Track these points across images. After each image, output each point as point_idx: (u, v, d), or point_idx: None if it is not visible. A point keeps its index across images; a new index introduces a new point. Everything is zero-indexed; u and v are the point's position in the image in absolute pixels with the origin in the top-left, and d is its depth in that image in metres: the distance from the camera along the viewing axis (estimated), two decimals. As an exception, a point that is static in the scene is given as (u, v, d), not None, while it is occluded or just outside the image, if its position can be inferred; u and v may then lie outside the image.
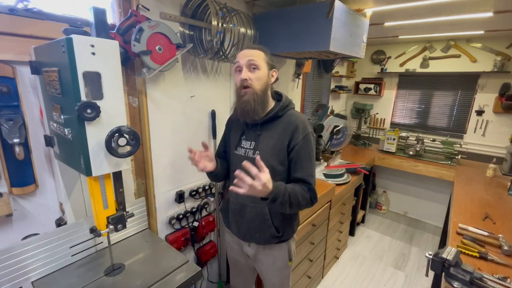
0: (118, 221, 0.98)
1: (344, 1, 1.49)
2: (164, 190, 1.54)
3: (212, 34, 1.37)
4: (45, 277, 1.05)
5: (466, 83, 3.04)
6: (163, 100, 1.43)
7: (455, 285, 1.09)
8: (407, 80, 3.44)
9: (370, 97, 3.71)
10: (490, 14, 1.89)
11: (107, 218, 0.96)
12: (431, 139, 3.14)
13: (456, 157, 2.91)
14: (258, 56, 1.09)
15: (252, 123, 1.17)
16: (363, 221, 3.35)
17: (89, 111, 0.77)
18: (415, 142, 3.16)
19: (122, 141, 0.84)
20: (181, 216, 1.61)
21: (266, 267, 1.31)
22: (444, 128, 3.26)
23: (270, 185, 0.96)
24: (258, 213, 1.17)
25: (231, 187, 0.95)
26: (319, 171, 2.31)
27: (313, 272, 2.13)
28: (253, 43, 1.68)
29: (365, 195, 3.23)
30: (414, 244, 3.00)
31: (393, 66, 3.48)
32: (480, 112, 2.98)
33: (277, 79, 1.16)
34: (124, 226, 1.00)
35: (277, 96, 1.21)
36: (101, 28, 0.85)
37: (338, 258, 2.66)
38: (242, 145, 1.21)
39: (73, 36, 0.74)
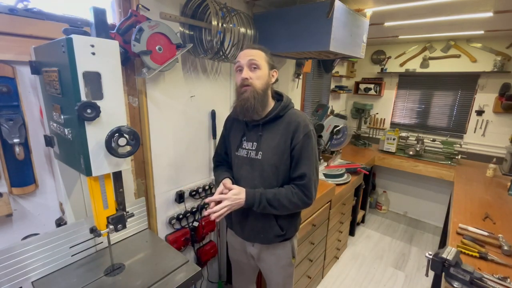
0: (118, 221, 0.98)
1: (344, 1, 1.49)
2: (164, 190, 1.54)
3: (212, 34, 1.37)
4: (45, 277, 1.05)
5: (466, 83, 3.04)
6: (163, 100, 1.43)
7: (455, 285, 1.09)
8: (407, 80, 3.44)
9: (370, 97, 3.71)
10: (490, 14, 1.89)
11: (107, 218, 0.96)
12: (431, 139, 3.14)
13: (456, 157, 2.91)
14: (259, 56, 1.09)
15: (253, 123, 1.17)
16: (363, 221, 3.35)
17: (89, 111, 0.77)
18: (415, 142, 3.16)
19: (122, 141, 0.84)
20: (181, 216, 1.61)
21: (270, 266, 1.31)
22: (444, 128, 3.26)
23: (241, 196, 1.09)
24: (263, 213, 1.17)
25: (210, 215, 1.07)
26: (319, 171, 2.31)
27: (313, 272, 2.13)
28: (253, 43, 1.68)
29: (365, 195, 3.23)
30: (414, 244, 3.00)
31: (393, 66, 3.48)
32: (480, 112, 2.98)
33: (276, 79, 1.17)
34: (124, 226, 1.00)
35: (277, 96, 1.21)
36: (101, 28, 0.85)
37: (338, 258, 2.66)
38: (243, 146, 1.20)
39: (73, 36, 0.74)
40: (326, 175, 2.28)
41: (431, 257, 1.16)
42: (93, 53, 0.79)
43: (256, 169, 1.16)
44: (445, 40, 3.05)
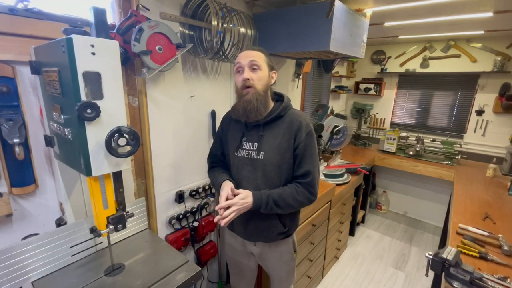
0: (118, 221, 0.98)
1: (344, 1, 1.49)
2: (164, 190, 1.54)
3: (212, 34, 1.37)
4: (45, 277, 1.05)
5: (466, 83, 3.04)
6: (163, 100, 1.43)
7: (455, 285, 1.09)
8: (407, 80, 3.44)
9: (370, 97, 3.71)
10: (490, 14, 1.89)
11: (107, 218, 0.96)
12: (431, 139, 3.14)
13: (456, 157, 2.91)
14: (259, 57, 1.11)
15: (253, 124, 1.17)
16: (363, 221, 3.35)
17: (89, 111, 0.77)
18: (415, 142, 3.16)
19: (122, 141, 0.84)
20: (181, 216, 1.61)
21: (273, 263, 1.33)
22: (444, 128, 3.26)
23: (248, 199, 1.09)
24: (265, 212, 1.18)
25: (220, 221, 1.06)
26: (319, 171, 2.31)
27: (313, 272, 2.13)
28: (253, 43, 1.68)
29: (365, 195, 3.23)
30: (414, 244, 3.00)
31: (393, 66, 3.48)
32: (480, 112, 2.98)
33: (275, 81, 1.19)
34: (124, 226, 1.00)
35: (277, 97, 1.22)
36: (101, 28, 0.85)
37: (338, 258, 2.66)
38: (243, 147, 1.19)
39: (73, 36, 0.74)
40: (326, 175, 2.28)
41: (431, 257, 1.16)
42: (93, 53, 0.79)
43: (258, 169, 1.16)
44: (445, 40, 3.05)
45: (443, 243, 2.74)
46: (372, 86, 3.61)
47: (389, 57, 3.49)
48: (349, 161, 2.72)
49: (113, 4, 1.23)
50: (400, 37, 2.95)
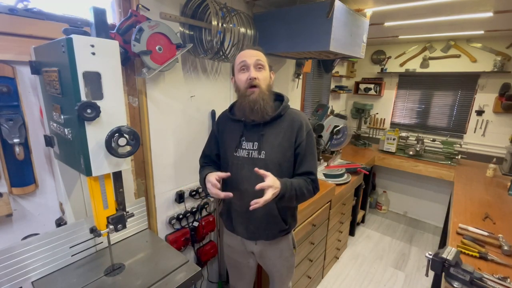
0: (118, 221, 0.98)
1: (344, 1, 1.49)
2: (164, 190, 1.54)
3: (212, 34, 1.37)
4: (45, 277, 1.05)
5: (466, 83, 3.04)
6: (163, 100, 1.43)
7: (455, 285, 1.09)
8: (407, 80, 3.44)
9: (370, 97, 3.71)
10: (490, 14, 1.89)
11: (107, 218, 0.96)
12: (431, 139, 3.14)
13: (456, 157, 2.91)
14: (262, 56, 1.13)
15: (253, 123, 1.17)
16: (363, 221, 3.35)
17: (89, 111, 0.77)
18: (415, 142, 3.16)
19: (122, 141, 0.84)
20: (181, 216, 1.61)
21: (274, 261, 1.33)
22: (444, 128, 3.26)
23: (277, 183, 1.03)
24: (267, 211, 1.18)
25: (252, 207, 0.99)
26: (319, 171, 2.31)
27: (313, 272, 2.13)
28: (253, 43, 1.68)
29: (365, 195, 3.23)
30: (414, 244, 3.00)
31: (393, 66, 3.48)
32: (480, 112, 2.98)
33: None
34: (124, 226, 1.00)
35: (276, 96, 1.23)
36: (101, 28, 0.85)
37: (338, 258, 2.66)
38: (243, 147, 1.19)
39: (73, 36, 0.74)
40: (326, 175, 2.28)
41: (431, 257, 1.16)
42: (93, 53, 0.79)
43: (260, 169, 1.15)
44: (445, 40, 3.04)
45: (443, 243, 2.74)
46: (372, 86, 3.61)
47: (389, 57, 3.49)
48: (349, 161, 2.72)
49: (113, 4, 1.23)
50: (400, 37, 2.95)
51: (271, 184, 1.01)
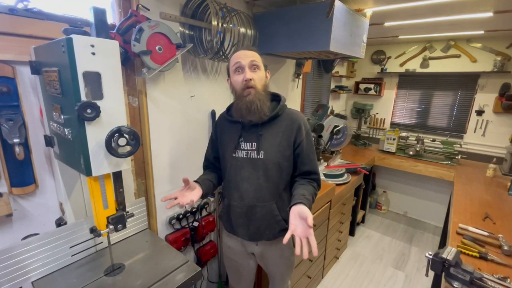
0: (118, 221, 0.98)
1: (344, 1, 1.49)
2: (164, 190, 1.54)
3: (212, 34, 1.37)
4: (45, 277, 1.06)
5: (466, 83, 3.04)
6: (163, 100, 1.43)
7: (455, 285, 1.09)
8: (407, 80, 3.44)
9: (370, 97, 3.71)
10: (490, 14, 1.89)
11: (107, 218, 0.96)
12: (431, 139, 3.14)
13: (456, 157, 2.91)
14: (257, 57, 1.12)
15: (251, 124, 1.16)
16: (363, 221, 3.35)
17: (89, 111, 0.77)
18: (415, 142, 3.16)
19: (122, 141, 0.84)
20: (181, 216, 1.61)
21: (274, 261, 1.33)
22: (444, 128, 3.26)
23: (305, 210, 0.97)
24: (267, 211, 1.18)
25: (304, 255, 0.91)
26: (319, 171, 2.31)
27: (313, 272, 2.13)
28: (253, 43, 1.68)
29: (365, 195, 3.23)
30: (414, 244, 3.00)
31: (393, 66, 3.48)
32: (480, 112, 2.98)
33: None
34: (124, 226, 1.00)
35: (272, 96, 1.23)
36: (101, 28, 0.85)
37: (338, 258, 2.66)
38: (241, 147, 1.19)
39: (73, 36, 0.74)
40: (326, 175, 2.28)
41: (431, 257, 1.16)
42: (93, 53, 0.79)
43: (259, 169, 1.16)
44: (445, 40, 3.04)
45: (443, 243, 2.74)
46: (372, 86, 3.61)
47: (389, 57, 3.49)
48: (349, 161, 2.72)
49: (113, 4, 1.23)
50: (400, 37, 2.95)
51: (310, 223, 0.91)
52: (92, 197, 0.93)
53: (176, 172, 1.58)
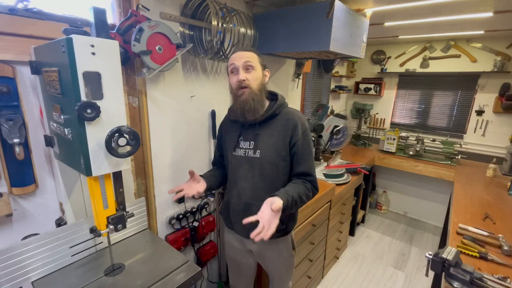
0: (118, 221, 0.98)
1: (344, 1, 1.49)
2: (164, 190, 1.54)
3: (212, 34, 1.37)
4: (45, 277, 1.05)
5: (466, 83, 3.04)
6: (163, 100, 1.43)
7: (455, 285, 1.09)
8: (407, 80, 3.44)
9: (370, 97, 3.71)
10: (490, 14, 1.89)
11: (107, 218, 0.96)
12: (431, 139, 3.14)
13: (456, 157, 2.91)
14: (252, 57, 1.13)
15: (249, 123, 1.18)
16: (363, 221, 3.35)
17: (89, 111, 0.77)
18: (415, 142, 3.16)
19: (122, 141, 0.84)
20: (181, 216, 1.61)
21: (273, 261, 1.34)
22: (444, 128, 3.26)
23: (278, 204, 0.98)
24: None
25: (255, 238, 0.95)
26: (319, 171, 2.31)
27: (313, 272, 2.13)
28: (253, 43, 1.68)
29: (365, 195, 3.23)
30: (414, 244, 3.00)
31: (393, 66, 3.48)
32: (480, 112, 2.98)
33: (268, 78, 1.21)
34: (124, 226, 1.00)
35: (271, 96, 1.24)
36: (101, 28, 0.85)
37: (338, 258, 2.66)
38: (240, 146, 1.22)
39: (73, 36, 0.74)
40: (326, 175, 2.28)
41: (431, 257, 1.16)
42: (93, 53, 0.79)
43: (255, 168, 1.18)
44: (445, 40, 3.04)
45: (443, 243, 2.74)
46: (372, 86, 3.61)
47: (389, 57, 3.49)
48: (349, 161, 2.71)
49: (113, 4, 1.23)
50: (400, 37, 2.95)
51: (270, 216, 0.97)
52: (92, 197, 0.93)
53: (176, 172, 1.58)
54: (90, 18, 0.84)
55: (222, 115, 1.78)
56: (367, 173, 2.64)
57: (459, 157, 2.90)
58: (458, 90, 3.10)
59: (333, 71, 3.28)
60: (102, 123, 0.82)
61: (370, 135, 3.78)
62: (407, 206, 3.63)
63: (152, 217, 1.49)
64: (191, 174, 1.19)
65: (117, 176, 0.96)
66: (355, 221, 3.04)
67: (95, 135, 0.82)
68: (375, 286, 2.36)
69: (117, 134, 0.83)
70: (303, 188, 1.13)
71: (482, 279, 1.07)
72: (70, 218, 1.14)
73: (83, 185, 1.15)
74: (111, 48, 0.83)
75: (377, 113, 3.70)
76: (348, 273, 2.50)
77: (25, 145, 1.03)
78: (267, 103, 1.21)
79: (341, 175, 2.33)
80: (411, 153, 3.10)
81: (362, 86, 3.71)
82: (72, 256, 1.13)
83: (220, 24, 1.38)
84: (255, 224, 1.22)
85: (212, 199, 1.83)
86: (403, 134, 3.32)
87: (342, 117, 2.68)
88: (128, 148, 0.87)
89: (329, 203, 2.09)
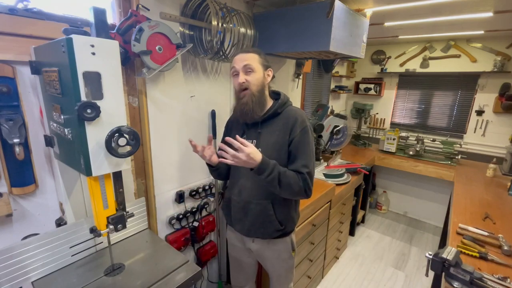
0: (118, 221, 0.98)
1: (344, 1, 1.49)
2: (164, 190, 1.54)
3: (212, 34, 1.37)
4: (45, 277, 1.05)
5: (466, 83, 3.04)
6: (163, 100, 1.43)
7: (455, 285, 1.09)
8: (407, 80, 3.44)
9: (370, 97, 3.71)
10: (490, 14, 1.89)
11: (107, 218, 0.96)
12: (431, 139, 3.14)
13: (456, 157, 2.91)
14: (252, 59, 1.14)
15: (252, 122, 1.21)
16: (363, 221, 3.35)
17: (89, 111, 0.77)
18: (415, 142, 3.16)
19: (122, 141, 0.84)
20: (181, 216, 1.61)
21: (272, 261, 1.35)
22: (444, 128, 3.26)
23: (257, 157, 1.02)
24: (262, 209, 1.21)
25: (220, 159, 1.06)
26: (319, 171, 2.31)
27: (313, 272, 2.13)
28: (253, 43, 1.68)
29: (365, 195, 3.23)
30: (414, 244, 3.00)
31: (393, 66, 3.48)
32: (480, 112, 2.98)
33: (273, 76, 1.22)
34: (124, 226, 1.00)
35: (275, 95, 1.27)
36: (101, 28, 0.85)
37: (338, 258, 2.66)
38: None
39: (73, 36, 0.74)
40: (326, 175, 2.28)
41: (431, 257, 1.16)
42: (93, 53, 0.79)
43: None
44: (445, 40, 3.04)
45: (443, 243, 2.74)
46: (372, 86, 3.61)
47: (389, 57, 3.49)
48: (349, 161, 2.72)
49: (113, 4, 1.23)
50: (400, 37, 2.95)
51: (248, 152, 1.00)
52: (92, 197, 0.93)
53: (176, 172, 1.58)
54: (90, 18, 0.84)
55: (222, 115, 1.78)
56: (367, 173, 2.64)
57: (459, 157, 2.90)
58: (458, 90, 3.10)
59: (333, 71, 3.28)
60: (102, 123, 0.82)
61: (370, 135, 3.77)
62: (407, 206, 3.63)
63: (152, 217, 1.49)
64: (210, 140, 1.29)
65: (117, 176, 0.96)
66: (355, 221, 3.04)
67: (95, 135, 0.82)
68: (375, 286, 2.36)
69: (117, 134, 0.83)
70: (294, 174, 1.11)
71: (482, 279, 1.07)
72: (70, 218, 1.14)
73: (83, 185, 1.15)
74: (111, 48, 0.83)
75: (377, 113, 3.70)
76: (348, 273, 2.50)
77: (25, 145, 1.03)
78: (270, 102, 1.23)
79: (341, 175, 2.33)
80: (411, 153, 3.10)
81: (362, 86, 3.71)
82: (72, 256, 1.13)
83: (220, 24, 1.38)
84: (254, 223, 1.23)
85: (212, 199, 1.83)
86: (403, 134, 3.32)
87: (342, 117, 2.69)
88: (128, 148, 0.87)
89: (329, 203, 2.09)
